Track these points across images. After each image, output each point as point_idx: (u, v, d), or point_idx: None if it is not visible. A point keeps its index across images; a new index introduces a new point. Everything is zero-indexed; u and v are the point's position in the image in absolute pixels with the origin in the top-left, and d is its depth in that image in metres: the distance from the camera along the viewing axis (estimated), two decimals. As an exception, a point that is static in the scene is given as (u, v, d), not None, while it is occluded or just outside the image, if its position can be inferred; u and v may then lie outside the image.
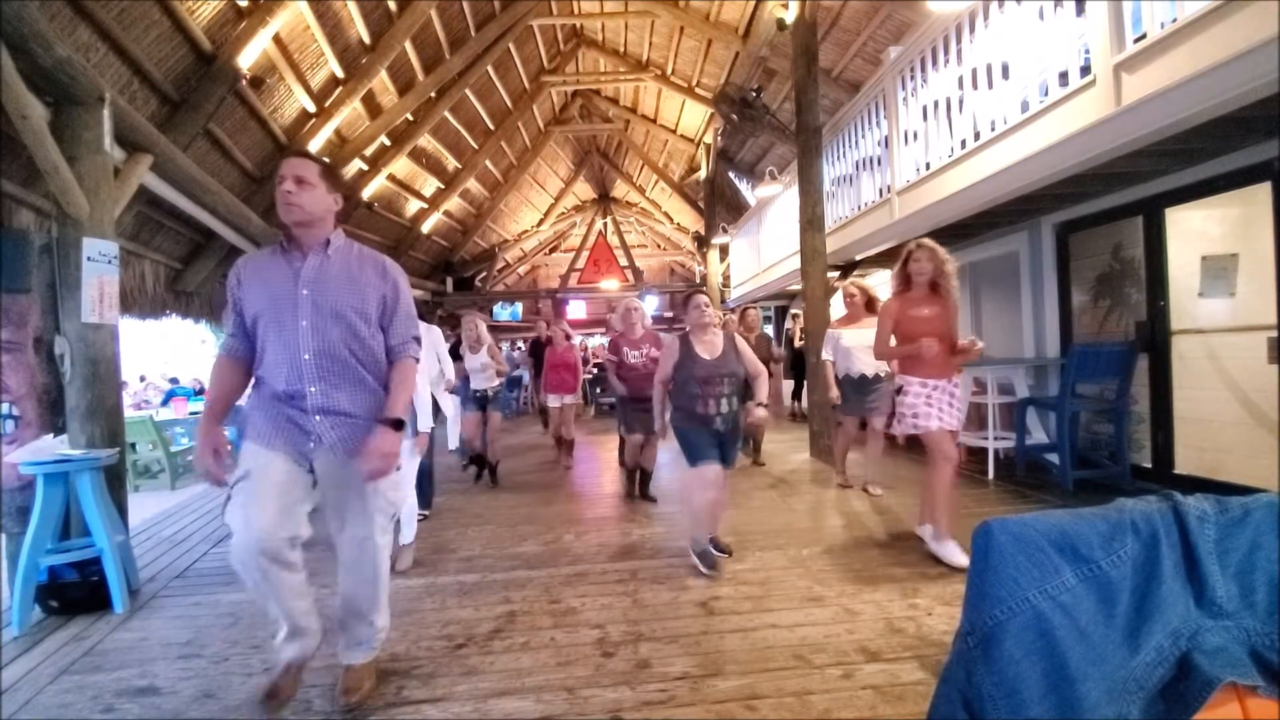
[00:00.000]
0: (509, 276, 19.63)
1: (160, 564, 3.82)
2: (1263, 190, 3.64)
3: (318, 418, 2.02)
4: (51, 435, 3.33)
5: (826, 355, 4.79)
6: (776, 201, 9.25)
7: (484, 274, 16.58)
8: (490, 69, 10.07)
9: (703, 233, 14.48)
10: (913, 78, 5.30)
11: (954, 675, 0.67)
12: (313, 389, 2.01)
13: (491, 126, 11.64)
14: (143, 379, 14.29)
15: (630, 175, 17.25)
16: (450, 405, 4.49)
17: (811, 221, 6.18)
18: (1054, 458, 4.82)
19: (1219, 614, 0.66)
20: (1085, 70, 3.51)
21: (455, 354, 5.59)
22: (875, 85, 5.99)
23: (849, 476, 4.98)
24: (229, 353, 2.11)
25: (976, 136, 4.46)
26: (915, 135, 5.35)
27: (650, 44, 11.30)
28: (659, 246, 20.45)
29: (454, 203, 12.63)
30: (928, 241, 3.40)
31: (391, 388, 2.11)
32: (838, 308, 5.41)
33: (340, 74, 7.15)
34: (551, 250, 20.46)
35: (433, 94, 9.08)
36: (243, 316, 2.07)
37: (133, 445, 7.05)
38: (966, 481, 5.01)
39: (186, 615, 3.03)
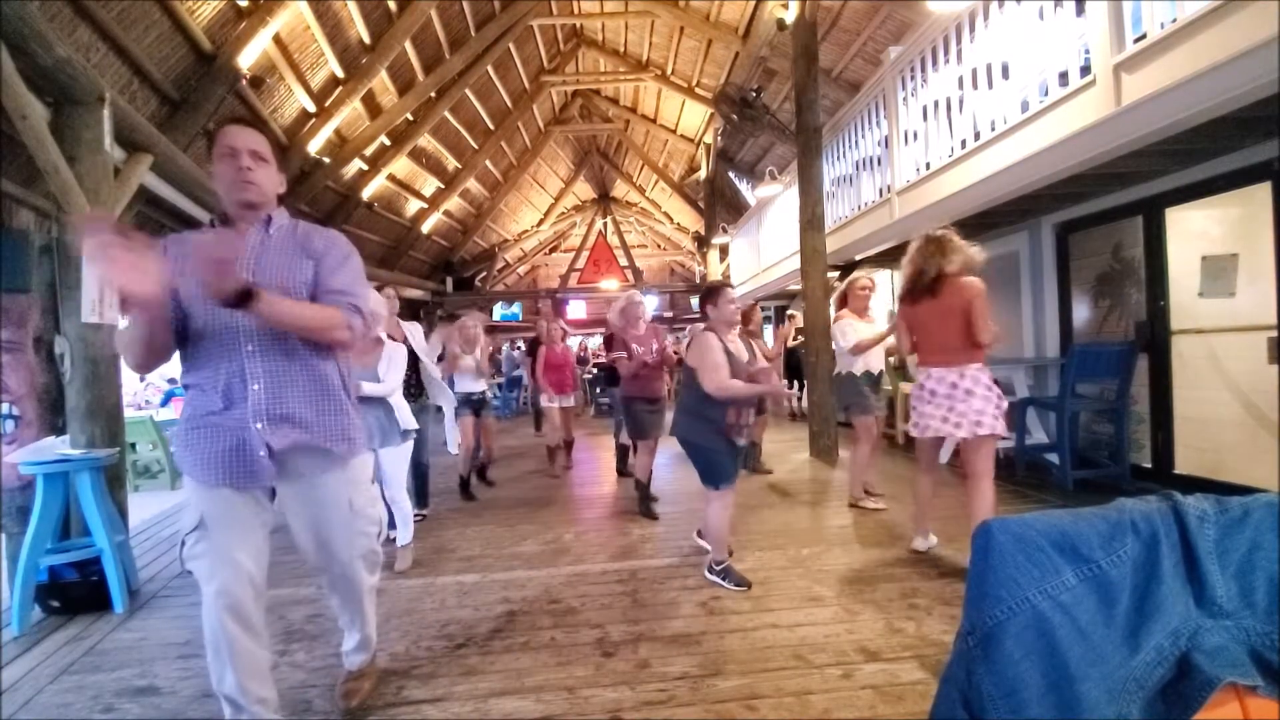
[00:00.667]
0: (509, 276, 19.64)
1: (160, 564, 3.82)
2: (1263, 190, 3.64)
3: (259, 425, 1.68)
4: (51, 435, 3.33)
5: (848, 341, 4.36)
6: (776, 201, 9.25)
7: (484, 274, 16.59)
8: (490, 69, 10.07)
9: (703, 233, 14.49)
10: (913, 78, 5.30)
11: (954, 675, 0.67)
12: (255, 386, 1.67)
13: (491, 126, 11.64)
14: (142, 379, 14.28)
15: (630, 175, 17.25)
16: (446, 401, 4.38)
17: (811, 221, 6.18)
18: (1054, 458, 4.82)
19: (1219, 614, 0.66)
20: (1085, 70, 3.51)
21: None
22: (875, 85, 5.99)
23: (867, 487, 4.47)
24: None
25: (976, 136, 4.46)
26: (915, 135, 5.35)
27: (650, 44, 11.30)
28: (659, 246, 20.46)
29: (454, 203, 12.63)
30: (934, 234, 3.28)
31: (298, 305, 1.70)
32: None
33: (340, 74, 7.15)
34: (551, 250, 20.46)
35: (433, 94, 9.09)
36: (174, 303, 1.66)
37: (133, 445, 7.04)
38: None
39: (186, 615, 3.03)
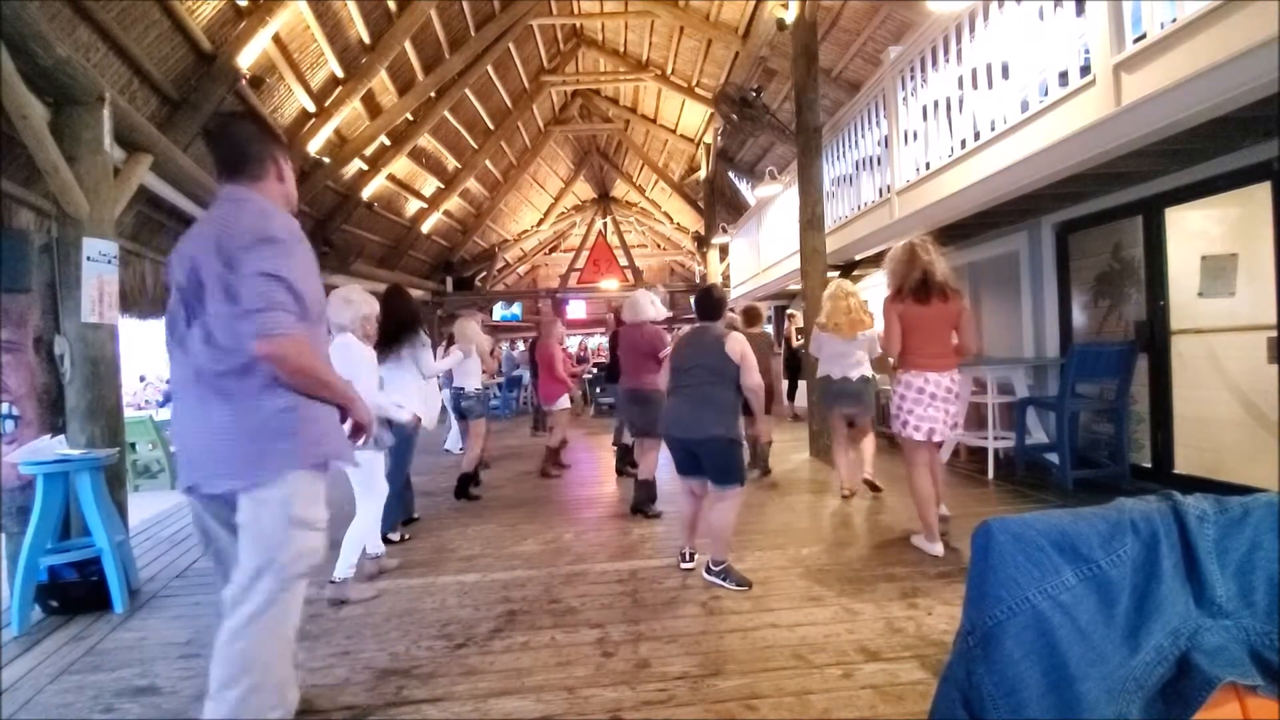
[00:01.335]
0: (509, 276, 19.64)
1: (160, 564, 3.82)
2: (1262, 190, 3.64)
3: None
4: (51, 435, 3.33)
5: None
6: (776, 201, 9.25)
7: (484, 274, 16.59)
8: (490, 69, 10.07)
9: (703, 232, 14.48)
10: (913, 78, 5.30)
11: (954, 675, 0.67)
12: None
13: (491, 126, 11.65)
14: (142, 379, 14.29)
15: (630, 175, 17.25)
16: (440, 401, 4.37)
17: (811, 221, 6.18)
18: (1054, 457, 4.82)
19: (1218, 613, 0.66)
20: (1085, 70, 3.51)
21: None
22: (875, 85, 5.99)
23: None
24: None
25: (976, 136, 4.46)
26: (915, 135, 5.34)
27: (650, 44, 11.30)
28: (659, 246, 20.45)
29: (454, 202, 12.63)
30: (925, 241, 3.42)
31: None
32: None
33: (340, 74, 7.15)
34: (551, 250, 20.46)
35: (432, 94, 9.09)
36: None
37: (133, 445, 7.04)
38: (967, 481, 5.02)
39: (186, 615, 3.03)
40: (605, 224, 18.12)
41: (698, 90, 11.65)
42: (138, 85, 4.88)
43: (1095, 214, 4.86)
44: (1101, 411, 4.79)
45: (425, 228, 12.09)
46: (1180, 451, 4.32)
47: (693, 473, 3.25)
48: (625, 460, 5.73)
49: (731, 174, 13.74)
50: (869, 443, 4.73)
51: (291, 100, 6.80)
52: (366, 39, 7.14)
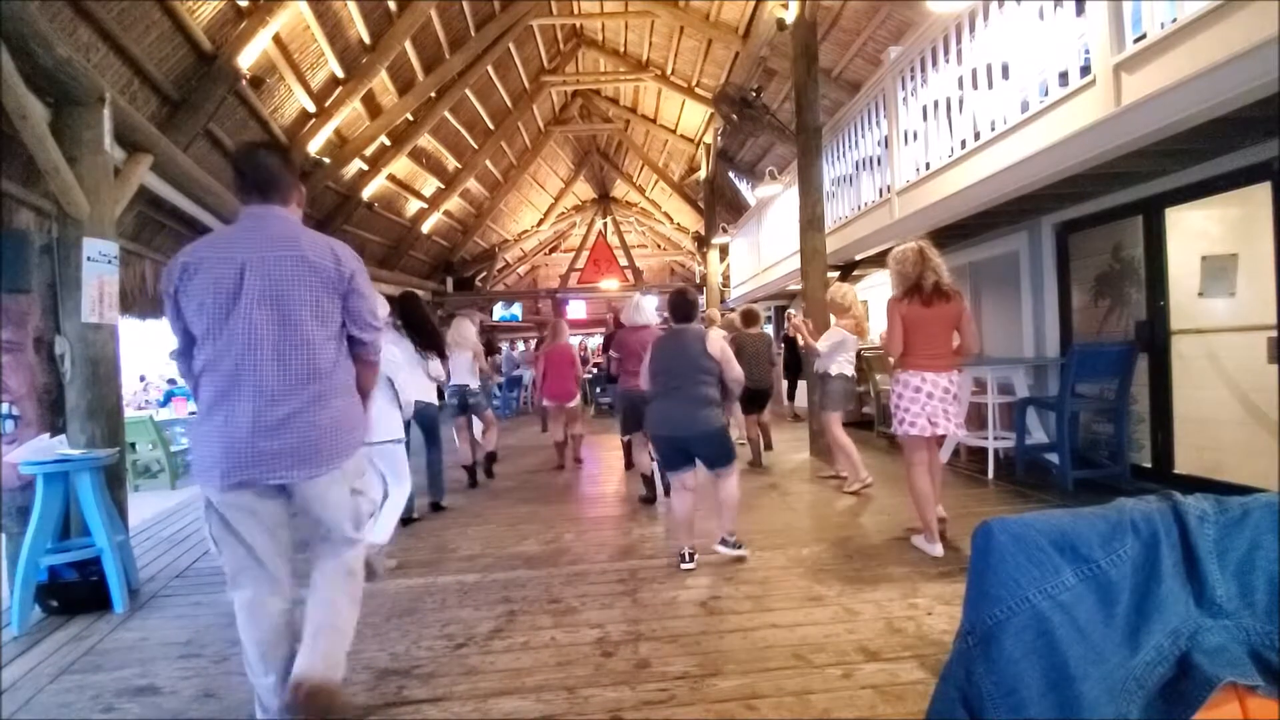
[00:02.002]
0: (509, 276, 19.65)
1: (160, 564, 3.82)
2: (1263, 190, 3.64)
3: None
4: (51, 435, 3.33)
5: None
6: (776, 201, 9.25)
7: (484, 274, 16.59)
8: (490, 69, 10.07)
9: (703, 233, 14.48)
10: (913, 78, 5.30)
11: (954, 674, 0.67)
12: None
13: (491, 126, 11.64)
14: (142, 379, 14.30)
15: (630, 175, 17.26)
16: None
17: (811, 221, 6.18)
18: (1054, 458, 4.82)
19: (1219, 613, 0.66)
20: (1085, 70, 3.51)
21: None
22: (875, 85, 5.99)
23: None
24: None
25: (976, 136, 4.46)
26: (915, 135, 5.34)
27: (650, 44, 11.30)
28: (659, 246, 20.45)
29: (454, 203, 12.63)
30: (927, 244, 3.49)
31: None
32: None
33: (340, 74, 7.15)
34: (551, 250, 20.47)
35: (433, 94, 9.09)
36: None
37: (133, 445, 7.05)
38: (967, 481, 5.02)
39: (186, 615, 3.03)
40: (605, 224, 18.12)
41: (698, 90, 11.65)
42: (138, 85, 4.88)
43: (1095, 214, 4.86)
44: (1101, 411, 4.79)
45: (425, 228, 12.09)
46: (1180, 451, 4.32)
47: (683, 465, 3.38)
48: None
49: (731, 174, 13.74)
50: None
51: (291, 100, 6.80)
52: (367, 39, 7.14)
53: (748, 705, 2.07)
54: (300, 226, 1.94)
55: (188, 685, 2.35)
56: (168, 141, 4.56)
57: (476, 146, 11.69)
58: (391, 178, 9.94)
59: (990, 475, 5.01)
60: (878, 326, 8.46)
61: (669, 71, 11.78)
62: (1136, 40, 3.21)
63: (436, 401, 4.57)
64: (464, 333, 5.59)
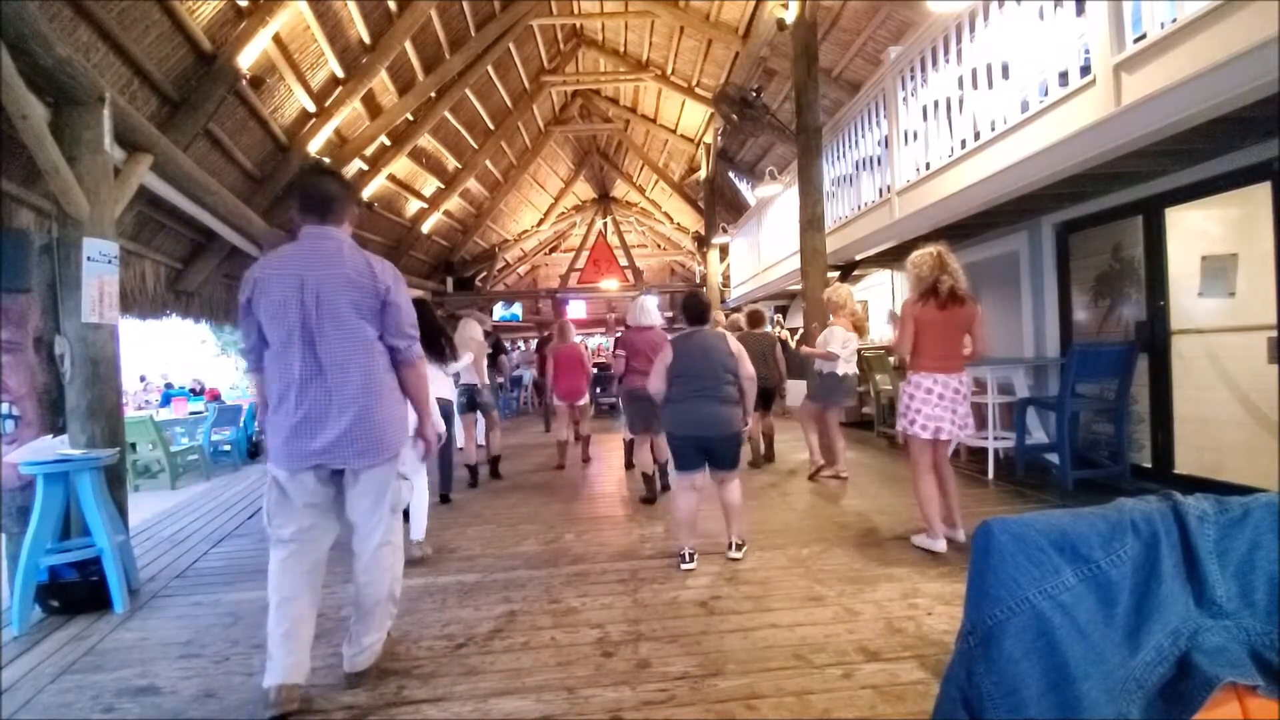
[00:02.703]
0: (509, 276, 19.64)
1: (160, 564, 3.82)
2: (1263, 190, 3.64)
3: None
4: (51, 435, 3.33)
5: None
6: (776, 201, 9.26)
7: (484, 274, 16.58)
8: (490, 69, 10.06)
9: (703, 233, 14.48)
10: (913, 78, 5.30)
11: (955, 675, 0.67)
12: None
13: (491, 126, 11.64)
14: (142, 379, 14.30)
15: (630, 175, 17.25)
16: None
17: (811, 221, 6.17)
18: (1054, 458, 4.82)
19: (1219, 614, 0.66)
20: (1085, 70, 3.51)
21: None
22: (875, 85, 5.99)
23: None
24: None
25: (976, 136, 4.46)
26: (915, 135, 5.35)
27: (650, 44, 11.30)
28: (659, 246, 20.44)
29: (454, 203, 12.62)
30: (945, 248, 3.52)
31: None
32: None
33: (340, 74, 7.15)
34: (551, 250, 20.45)
35: (433, 94, 9.07)
36: None
37: (133, 445, 7.05)
38: (967, 481, 5.02)
39: (187, 615, 3.03)
40: (605, 224, 18.11)
41: (698, 90, 11.64)
42: (138, 85, 4.88)
43: (1095, 214, 4.86)
44: (1101, 411, 4.79)
45: (425, 228, 12.08)
46: (1180, 451, 4.32)
47: (697, 466, 3.41)
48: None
49: (731, 174, 13.74)
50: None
51: (291, 100, 6.79)
52: (367, 39, 7.14)
53: (748, 705, 2.07)
54: (347, 245, 2.21)
55: (188, 685, 2.35)
56: (168, 141, 4.56)
57: (476, 146, 11.68)
58: (391, 178, 9.93)
59: (990, 475, 5.01)
60: (877, 327, 8.48)
61: (669, 71, 11.77)
62: (1136, 40, 3.21)
63: (453, 398, 4.80)
64: (469, 334, 5.65)
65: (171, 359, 17.10)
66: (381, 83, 7.99)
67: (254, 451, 9.02)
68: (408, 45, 7.77)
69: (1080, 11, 3.61)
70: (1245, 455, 3.83)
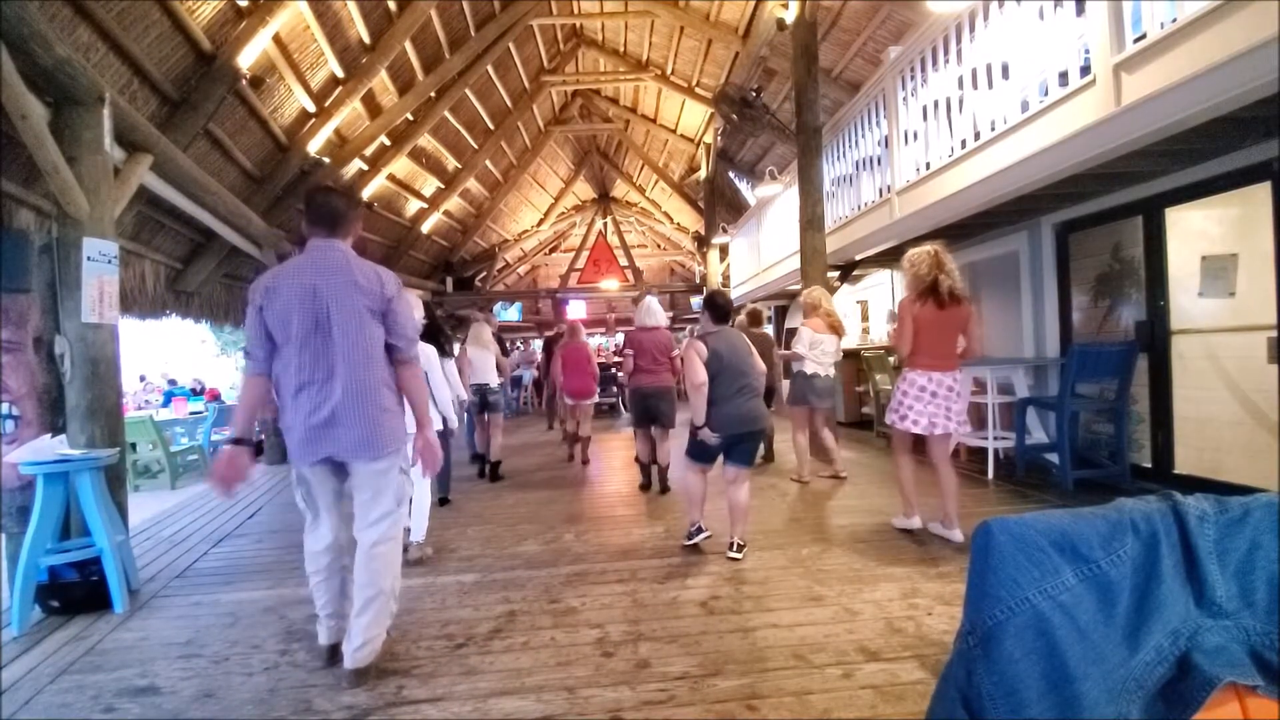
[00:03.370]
0: (509, 276, 19.63)
1: (160, 564, 3.82)
2: (1263, 190, 3.64)
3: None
4: (51, 435, 3.33)
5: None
6: (776, 201, 9.26)
7: (484, 274, 16.57)
8: (490, 69, 10.06)
9: (703, 233, 14.48)
10: (913, 78, 5.30)
11: (954, 675, 0.67)
12: None
13: (491, 126, 11.64)
14: (142, 379, 14.30)
15: (630, 175, 17.24)
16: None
17: (811, 221, 6.18)
18: (1054, 458, 4.82)
19: (1219, 614, 0.66)
20: (1085, 70, 3.51)
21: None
22: (875, 85, 5.99)
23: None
24: None
25: (976, 136, 4.46)
26: (915, 135, 5.34)
27: (650, 44, 11.29)
28: (659, 246, 20.45)
29: (454, 203, 12.62)
30: (942, 249, 3.61)
31: None
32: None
33: (340, 74, 7.15)
34: (551, 250, 20.46)
35: (433, 94, 9.07)
36: None
37: (133, 445, 7.05)
38: (967, 481, 5.02)
39: (186, 615, 3.03)
40: (605, 224, 18.10)
41: (698, 90, 11.64)
42: (138, 85, 4.88)
43: (1095, 214, 4.86)
44: (1101, 411, 4.79)
45: (425, 228, 12.08)
46: (1180, 451, 4.32)
47: (713, 461, 3.53)
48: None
49: (731, 174, 13.73)
50: (830, 434, 5.38)
51: (291, 100, 6.79)
52: (367, 39, 7.14)
53: (748, 705, 2.07)
54: (353, 256, 2.40)
55: (188, 685, 2.35)
56: (167, 141, 4.56)
57: (476, 146, 11.67)
58: (391, 178, 9.93)
59: (990, 475, 5.01)
60: (877, 327, 8.48)
61: (669, 71, 11.77)
62: (1136, 40, 3.21)
63: (465, 398, 5.03)
64: (486, 335, 5.91)
65: (171, 359, 17.10)
66: (381, 83, 7.98)
67: (254, 452, 9.02)
68: (408, 45, 7.77)
69: (1080, 11, 3.61)
70: (1245, 455, 3.83)
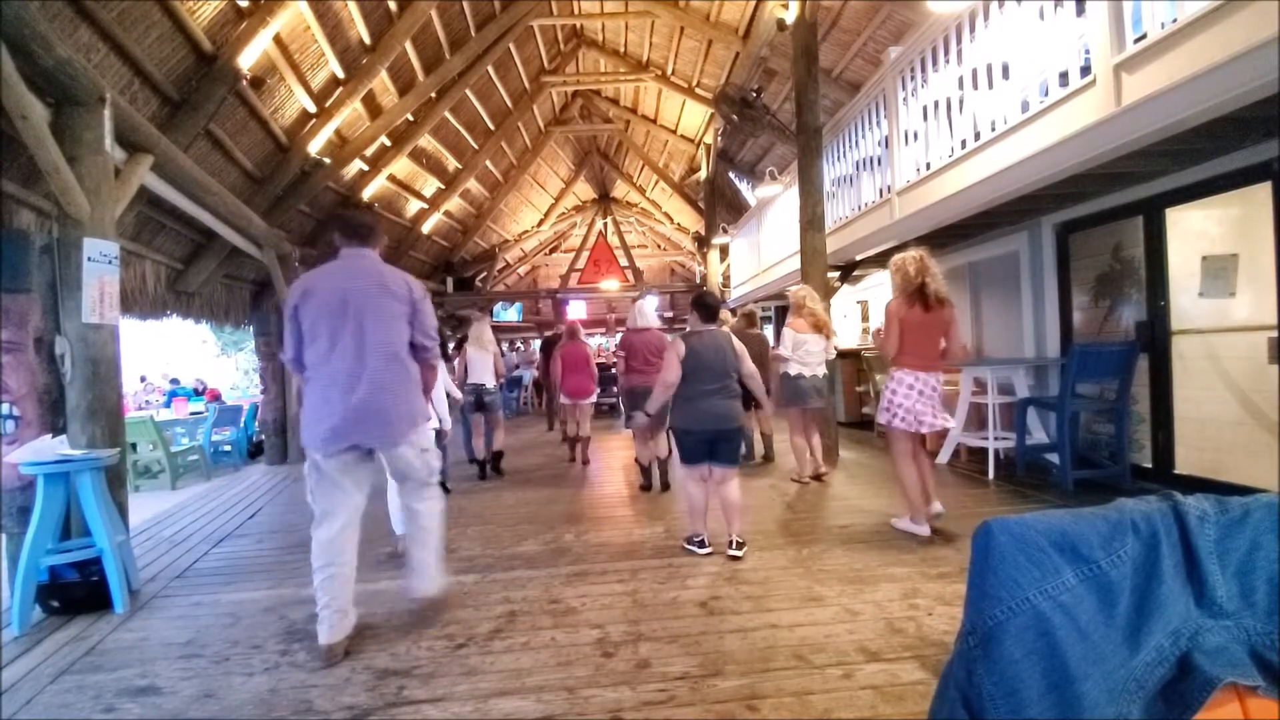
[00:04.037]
0: (509, 277, 19.63)
1: (160, 564, 3.82)
2: (1263, 190, 3.64)
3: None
4: (51, 435, 3.33)
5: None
6: (776, 201, 9.25)
7: (484, 274, 16.57)
8: (490, 69, 10.06)
9: (703, 233, 14.48)
10: (913, 78, 5.30)
11: (955, 675, 0.67)
12: None
13: (492, 127, 11.63)
14: (143, 379, 14.30)
15: (630, 175, 17.23)
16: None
17: (811, 221, 6.17)
18: (1054, 458, 4.82)
19: (1219, 614, 0.66)
20: (1085, 70, 3.51)
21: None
22: (875, 85, 5.99)
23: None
24: None
25: (976, 137, 4.46)
26: (915, 135, 5.34)
27: (650, 44, 11.29)
28: (659, 246, 20.44)
29: (454, 203, 12.62)
30: (923, 252, 3.73)
31: None
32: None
33: (340, 74, 7.15)
34: (552, 250, 20.45)
35: (433, 94, 9.07)
36: None
37: (133, 445, 7.05)
38: (967, 481, 5.02)
39: (187, 615, 3.03)
40: (605, 224, 18.10)
41: (698, 91, 11.64)
42: (138, 85, 4.88)
43: (1095, 214, 4.86)
44: (1102, 411, 4.79)
45: (425, 228, 12.08)
46: (1180, 451, 4.32)
47: (703, 460, 3.55)
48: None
49: (732, 174, 13.73)
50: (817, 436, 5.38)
51: (292, 101, 6.79)
52: (367, 39, 7.14)
53: (748, 705, 2.07)
54: (382, 263, 2.71)
55: (188, 685, 2.35)
56: (168, 141, 4.56)
57: (477, 147, 11.67)
58: (392, 178, 9.93)
59: (990, 475, 5.01)
60: (876, 326, 8.47)
61: (669, 72, 11.77)
62: (1136, 40, 3.21)
63: (459, 397, 5.23)
64: (487, 335, 5.97)
65: (172, 359, 17.11)
66: (382, 83, 7.98)
67: (254, 452, 9.02)
68: (408, 45, 7.77)
69: (1080, 11, 3.61)
70: (1245, 455, 3.83)
